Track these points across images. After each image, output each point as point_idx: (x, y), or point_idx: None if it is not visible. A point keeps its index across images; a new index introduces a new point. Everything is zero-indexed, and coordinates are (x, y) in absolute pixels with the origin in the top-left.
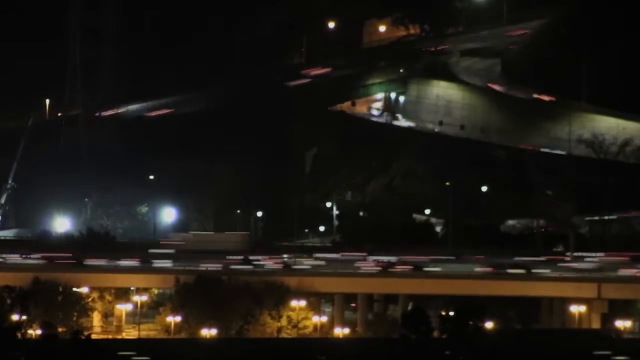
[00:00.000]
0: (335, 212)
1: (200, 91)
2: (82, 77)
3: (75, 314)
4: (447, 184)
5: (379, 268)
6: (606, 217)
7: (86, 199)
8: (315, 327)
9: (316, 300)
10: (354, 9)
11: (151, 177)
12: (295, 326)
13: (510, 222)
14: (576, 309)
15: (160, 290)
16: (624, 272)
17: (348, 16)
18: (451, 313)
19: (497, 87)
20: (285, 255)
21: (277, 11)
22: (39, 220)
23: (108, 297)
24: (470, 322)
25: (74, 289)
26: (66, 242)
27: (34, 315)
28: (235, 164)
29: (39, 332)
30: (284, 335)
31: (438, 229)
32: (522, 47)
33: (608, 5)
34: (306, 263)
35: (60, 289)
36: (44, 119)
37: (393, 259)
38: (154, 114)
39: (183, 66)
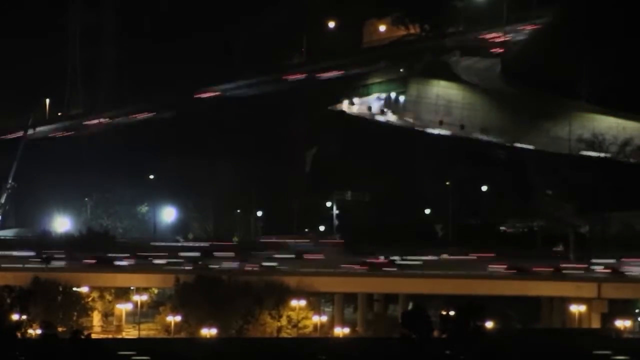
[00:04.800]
0: (336, 211)
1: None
2: (82, 77)
3: (75, 313)
4: (447, 183)
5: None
6: (606, 217)
7: (86, 199)
8: (315, 326)
9: (316, 300)
10: (354, 9)
11: (151, 177)
12: (295, 326)
13: (510, 221)
14: (576, 309)
15: (160, 290)
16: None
17: (348, 16)
18: (451, 313)
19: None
20: None
21: (277, 11)
22: (39, 220)
23: (108, 297)
24: (470, 322)
25: (74, 289)
26: (66, 241)
27: (33, 315)
28: (236, 164)
29: (39, 332)
30: (284, 335)
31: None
32: (522, 47)
33: (608, 6)
34: None
35: (60, 289)
36: (44, 118)
37: None
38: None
39: (182, 66)
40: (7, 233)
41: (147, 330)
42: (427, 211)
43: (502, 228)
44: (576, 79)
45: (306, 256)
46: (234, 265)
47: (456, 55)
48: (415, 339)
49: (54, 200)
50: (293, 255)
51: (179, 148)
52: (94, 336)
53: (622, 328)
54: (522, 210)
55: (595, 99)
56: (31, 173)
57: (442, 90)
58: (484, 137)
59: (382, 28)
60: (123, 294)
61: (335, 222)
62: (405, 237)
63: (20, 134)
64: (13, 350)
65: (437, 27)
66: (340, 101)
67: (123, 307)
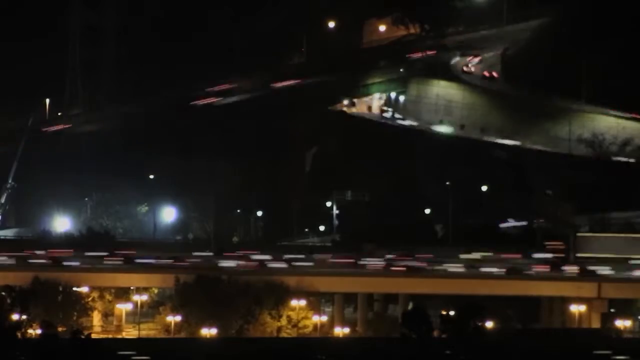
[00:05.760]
0: (336, 211)
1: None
2: (82, 77)
3: (75, 313)
4: (447, 183)
5: None
6: (606, 217)
7: (86, 199)
8: (315, 326)
9: (316, 300)
10: (354, 9)
11: (151, 177)
12: (295, 326)
13: (510, 221)
14: (576, 309)
15: (160, 290)
16: None
17: (348, 16)
18: (451, 313)
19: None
20: None
21: (277, 11)
22: (39, 220)
23: (108, 297)
24: (470, 322)
25: (74, 289)
26: (66, 241)
27: (34, 314)
28: (236, 164)
29: (39, 331)
30: (284, 334)
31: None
32: (522, 47)
33: (608, 5)
34: None
35: (60, 289)
36: (44, 118)
37: None
38: None
39: (183, 65)
40: (7, 233)
41: (147, 330)
42: (427, 211)
43: (507, 223)
44: (576, 79)
45: None
46: None
47: (456, 55)
48: (415, 339)
49: (54, 200)
50: None
51: (179, 148)
52: (94, 336)
53: (622, 328)
54: (522, 210)
55: (595, 99)
56: (31, 173)
57: (442, 90)
58: (484, 137)
59: (382, 28)
60: (123, 294)
61: (335, 222)
62: (405, 237)
63: (20, 134)
64: (13, 350)
65: (437, 27)
66: (340, 101)
67: (123, 307)
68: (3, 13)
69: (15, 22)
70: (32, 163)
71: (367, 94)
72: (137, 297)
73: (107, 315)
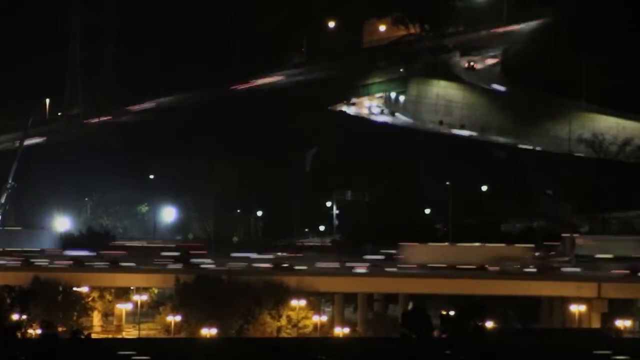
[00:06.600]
0: (336, 211)
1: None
2: (82, 76)
3: (75, 313)
4: (447, 183)
5: None
6: (606, 217)
7: (86, 199)
8: (315, 326)
9: (316, 300)
10: (354, 9)
11: (151, 177)
12: (295, 326)
13: (510, 221)
14: (576, 309)
15: (160, 290)
16: None
17: (348, 16)
18: (451, 313)
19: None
20: None
21: (277, 11)
22: (39, 220)
23: (108, 297)
24: (471, 322)
25: (74, 289)
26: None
27: (34, 314)
28: (236, 164)
29: (39, 331)
30: (283, 334)
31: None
32: (522, 47)
33: (608, 5)
34: None
35: (60, 289)
36: (44, 118)
37: None
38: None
39: (183, 65)
40: None
41: (147, 330)
42: (427, 211)
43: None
44: (576, 79)
45: None
46: None
47: (456, 55)
48: (415, 339)
49: (54, 200)
50: None
51: (179, 148)
52: (94, 336)
53: (622, 328)
54: (522, 210)
55: (595, 99)
56: (31, 173)
57: (442, 90)
58: (484, 137)
59: (382, 28)
60: (123, 294)
61: (335, 222)
62: (405, 237)
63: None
64: (13, 350)
65: (437, 27)
66: (340, 101)
67: (123, 307)
68: (3, 13)
69: (15, 22)
70: (32, 163)
71: (367, 94)
72: (137, 297)
73: (107, 315)
